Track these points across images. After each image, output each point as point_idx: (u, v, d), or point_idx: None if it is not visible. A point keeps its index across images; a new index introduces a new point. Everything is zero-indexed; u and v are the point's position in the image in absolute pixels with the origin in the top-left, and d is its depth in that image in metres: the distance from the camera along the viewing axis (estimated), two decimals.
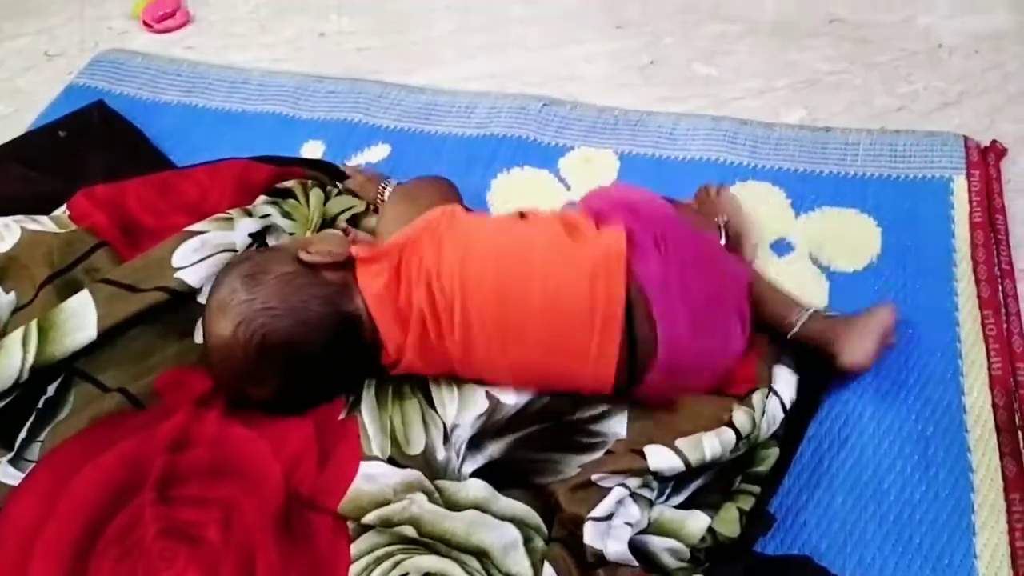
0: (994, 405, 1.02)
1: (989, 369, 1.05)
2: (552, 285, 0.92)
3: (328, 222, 1.20)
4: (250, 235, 1.11)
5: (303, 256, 0.98)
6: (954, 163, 1.27)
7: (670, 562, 0.88)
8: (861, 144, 1.32)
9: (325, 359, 0.96)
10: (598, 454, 0.94)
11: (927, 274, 1.15)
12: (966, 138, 1.30)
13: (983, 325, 1.08)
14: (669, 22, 1.63)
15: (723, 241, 1.12)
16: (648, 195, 1.06)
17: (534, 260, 0.95)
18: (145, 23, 1.76)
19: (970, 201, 1.22)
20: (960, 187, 1.24)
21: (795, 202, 1.26)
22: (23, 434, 0.96)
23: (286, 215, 1.18)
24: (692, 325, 0.93)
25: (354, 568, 0.86)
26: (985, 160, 1.27)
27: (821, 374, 1.02)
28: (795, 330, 1.02)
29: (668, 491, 0.93)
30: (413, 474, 0.92)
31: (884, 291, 1.14)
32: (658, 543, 0.88)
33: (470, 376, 0.98)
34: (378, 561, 0.87)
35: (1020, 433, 0.99)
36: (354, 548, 0.88)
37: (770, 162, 1.32)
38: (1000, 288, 1.12)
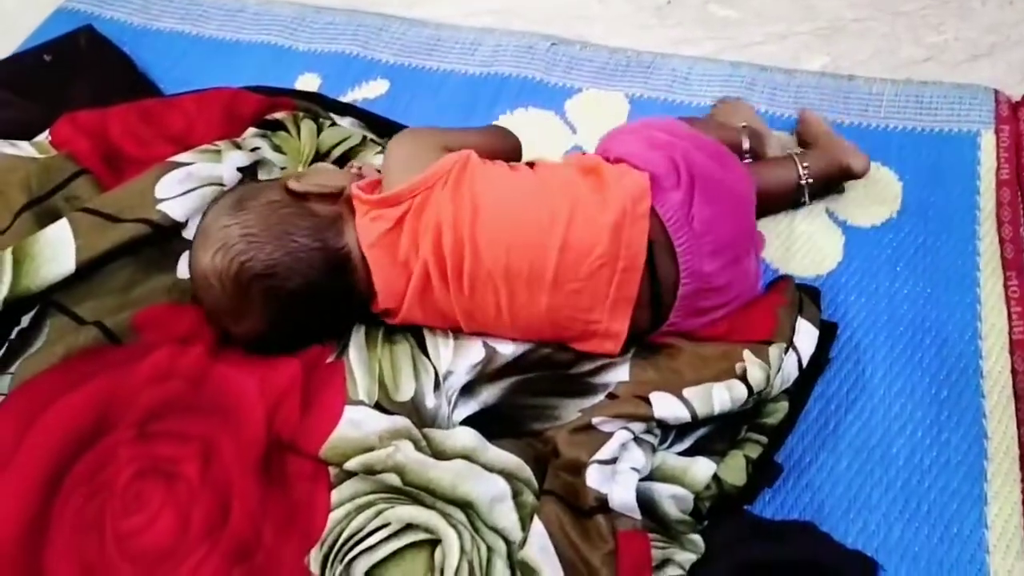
0: (1013, 371, 0.97)
1: (1010, 333, 1.00)
2: (573, 239, 0.88)
3: (322, 155, 1.15)
4: (239, 169, 1.06)
5: (292, 185, 0.93)
6: (983, 117, 1.20)
7: (673, 512, 0.84)
8: (885, 94, 1.25)
9: (308, 296, 0.90)
10: (599, 397, 0.90)
11: (949, 232, 1.09)
12: (996, 92, 1.23)
13: (1006, 287, 1.03)
14: None
15: (746, 144, 1.12)
16: (668, 123, 1.02)
17: (552, 213, 0.89)
18: None
19: (998, 157, 1.15)
20: (988, 142, 1.17)
21: None
22: None
23: (276, 148, 1.13)
24: (714, 258, 0.90)
25: (334, 515, 0.83)
26: (1016, 116, 1.20)
27: (831, 327, 0.98)
28: (808, 180, 1.09)
29: (671, 438, 0.89)
30: (400, 421, 0.88)
31: (902, 247, 1.08)
32: (661, 490, 0.84)
33: (471, 330, 0.93)
34: (359, 509, 0.83)
35: None
36: (335, 495, 0.84)
37: (789, 111, 1.24)
38: None
